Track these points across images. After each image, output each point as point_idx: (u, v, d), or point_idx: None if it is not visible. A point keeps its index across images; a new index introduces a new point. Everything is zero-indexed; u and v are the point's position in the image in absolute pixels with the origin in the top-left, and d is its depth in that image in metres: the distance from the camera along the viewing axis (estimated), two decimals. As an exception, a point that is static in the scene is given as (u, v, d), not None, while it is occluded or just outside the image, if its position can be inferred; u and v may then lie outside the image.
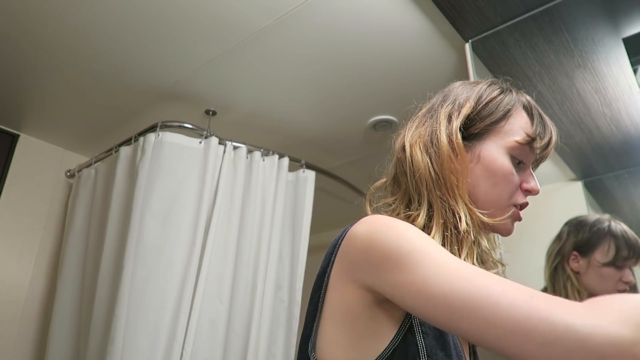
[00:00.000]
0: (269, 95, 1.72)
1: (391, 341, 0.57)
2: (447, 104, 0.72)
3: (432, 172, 0.66)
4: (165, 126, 1.63)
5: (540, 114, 0.73)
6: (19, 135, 1.94)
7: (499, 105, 0.70)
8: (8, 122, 1.89)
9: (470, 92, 0.72)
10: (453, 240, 0.64)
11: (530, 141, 0.69)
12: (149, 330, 1.37)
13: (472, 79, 1.33)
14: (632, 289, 1.02)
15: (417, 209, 0.66)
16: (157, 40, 1.44)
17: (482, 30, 1.32)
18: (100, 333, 1.44)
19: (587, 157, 1.37)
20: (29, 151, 1.96)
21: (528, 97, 0.74)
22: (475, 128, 0.69)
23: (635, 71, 1.20)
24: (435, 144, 0.68)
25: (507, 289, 0.47)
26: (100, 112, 1.82)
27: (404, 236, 0.55)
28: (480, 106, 0.70)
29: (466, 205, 0.65)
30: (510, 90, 0.73)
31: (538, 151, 0.71)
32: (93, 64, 1.55)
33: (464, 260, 0.63)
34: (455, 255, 0.62)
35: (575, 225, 1.14)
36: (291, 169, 1.80)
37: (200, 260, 1.46)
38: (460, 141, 0.67)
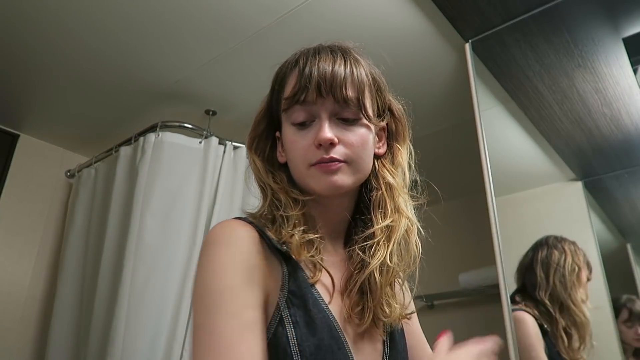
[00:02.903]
0: (269, 95, 1.72)
1: (266, 336, 0.58)
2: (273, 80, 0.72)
3: (253, 166, 0.71)
4: (166, 126, 1.63)
5: (306, 59, 0.66)
6: (19, 135, 1.94)
7: (273, 87, 0.69)
8: (8, 122, 1.89)
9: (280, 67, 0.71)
10: (280, 219, 0.65)
11: (293, 94, 0.64)
12: (149, 330, 1.37)
13: (472, 79, 1.33)
14: None
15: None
16: (157, 40, 1.44)
17: (482, 30, 1.32)
18: (100, 333, 1.43)
19: (587, 157, 1.37)
20: (29, 151, 1.96)
21: (298, 55, 0.68)
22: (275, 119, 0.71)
23: (635, 71, 1.20)
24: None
25: None
26: (101, 112, 1.82)
27: (211, 272, 0.58)
28: (269, 102, 0.71)
29: (274, 188, 0.67)
30: (288, 62, 0.69)
31: (309, 97, 0.63)
32: (93, 64, 1.55)
33: (290, 232, 0.62)
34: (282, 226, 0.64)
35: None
36: (291, 169, 1.80)
37: (200, 260, 1.46)
38: (253, 144, 0.71)
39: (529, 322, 1.15)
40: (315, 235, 0.64)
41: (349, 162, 0.64)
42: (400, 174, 0.70)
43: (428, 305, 2.21)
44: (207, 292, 0.57)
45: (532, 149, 1.43)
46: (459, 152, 1.89)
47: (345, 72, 0.64)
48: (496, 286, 1.16)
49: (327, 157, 0.62)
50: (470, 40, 1.36)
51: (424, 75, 1.55)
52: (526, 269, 1.24)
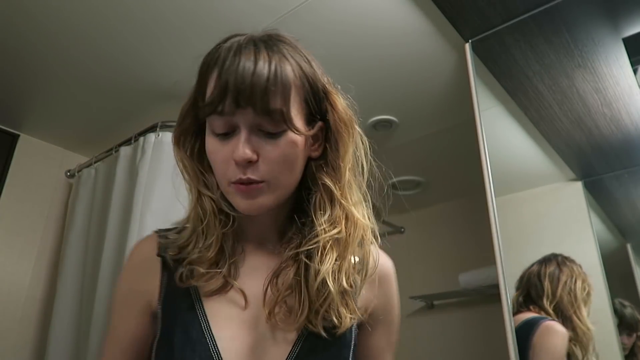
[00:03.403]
0: (269, 95, 1.71)
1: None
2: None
3: (181, 166, 0.68)
4: (165, 126, 1.63)
5: (226, 59, 0.58)
6: (19, 135, 1.94)
7: (198, 82, 0.62)
8: (8, 122, 1.89)
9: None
10: (199, 234, 0.64)
11: (210, 103, 0.57)
12: (149, 330, 1.37)
13: (472, 79, 1.33)
14: None
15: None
16: (157, 40, 1.44)
17: (482, 30, 1.32)
18: (100, 333, 1.43)
19: (587, 157, 1.37)
20: (29, 151, 1.96)
21: (209, 59, 0.62)
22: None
23: (635, 71, 1.20)
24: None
25: None
26: (101, 112, 1.82)
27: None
28: (194, 96, 0.64)
29: (199, 193, 0.65)
30: (212, 54, 0.63)
31: (226, 108, 0.56)
32: (93, 64, 1.55)
33: (208, 246, 0.62)
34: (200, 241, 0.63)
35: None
36: (291, 169, 1.80)
37: (200, 260, 1.46)
38: (180, 139, 0.67)
39: (564, 335, 1.16)
40: (226, 265, 0.63)
41: (268, 180, 0.58)
42: (343, 176, 0.63)
43: (428, 305, 2.21)
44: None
45: (532, 149, 1.43)
46: (459, 152, 1.89)
47: (268, 78, 0.56)
48: (496, 286, 1.16)
49: (245, 177, 0.57)
50: (470, 40, 1.36)
51: (424, 75, 1.55)
52: (529, 278, 1.26)
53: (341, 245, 0.61)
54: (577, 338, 1.17)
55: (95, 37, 1.43)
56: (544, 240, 1.32)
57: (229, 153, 0.57)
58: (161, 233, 0.70)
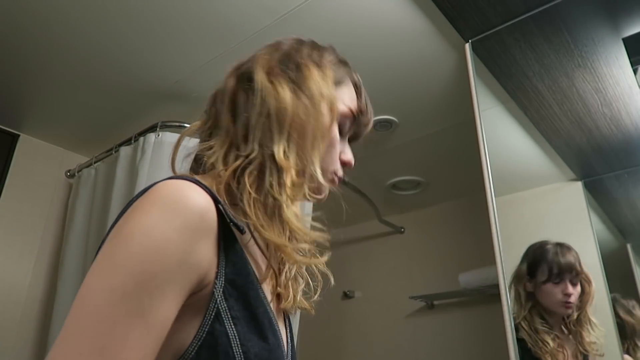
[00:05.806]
0: (269, 95, 1.71)
1: (195, 336, 0.47)
2: (312, 55, 0.67)
3: (301, 114, 0.59)
4: (165, 126, 1.63)
5: (365, 95, 0.73)
6: (19, 135, 1.94)
7: (336, 70, 0.69)
8: (8, 122, 1.89)
9: (320, 50, 0.71)
10: (282, 193, 0.57)
11: (358, 113, 0.69)
12: (149, 330, 1.37)
13: (472, 79, 1.33)
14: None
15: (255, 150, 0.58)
16: (157, 40, 1.44)
17: (482, 30, 1.32)
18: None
19: (587, 157, 1.37)
20: (29, 151, 1.96)
21: (358, 76, 0.74)
22: None
23: (635, 71, 1.20)
24: (309, 90, 0.61)
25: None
26: (101, 112, 1.82)
27: (146, 232, 0.44)
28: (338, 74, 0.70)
29: (319, 162, 0.60)
30: (345, 62, 0.73)
31: (361, 127, 0.71)
32: (93, 64, 1.55)
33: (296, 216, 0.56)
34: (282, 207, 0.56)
35: (526, 251, 1.27)
36: (291, 169, 1.80)
37: (200, 260, 1.46)
38: (336, 95, 0.65)
39: None
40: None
41: None
42: None
43: (428, 305, 2.21)
44: (122, 267, 0.43)
45: (532, 149, 1.43)
46: (459, 152, 1.89)
47: None
48: (496, 286, 1.16)
49: (343, 176, 0.69)
50: (470, 40, 1.36)
51: (424, 75, 1.55)
52: None
53: None
54: None
55: (95, 37, 1.43)
56: (544, 239, 1.32)
57: (338, 151, 0.67)
58: (199, 184, 0.50)
